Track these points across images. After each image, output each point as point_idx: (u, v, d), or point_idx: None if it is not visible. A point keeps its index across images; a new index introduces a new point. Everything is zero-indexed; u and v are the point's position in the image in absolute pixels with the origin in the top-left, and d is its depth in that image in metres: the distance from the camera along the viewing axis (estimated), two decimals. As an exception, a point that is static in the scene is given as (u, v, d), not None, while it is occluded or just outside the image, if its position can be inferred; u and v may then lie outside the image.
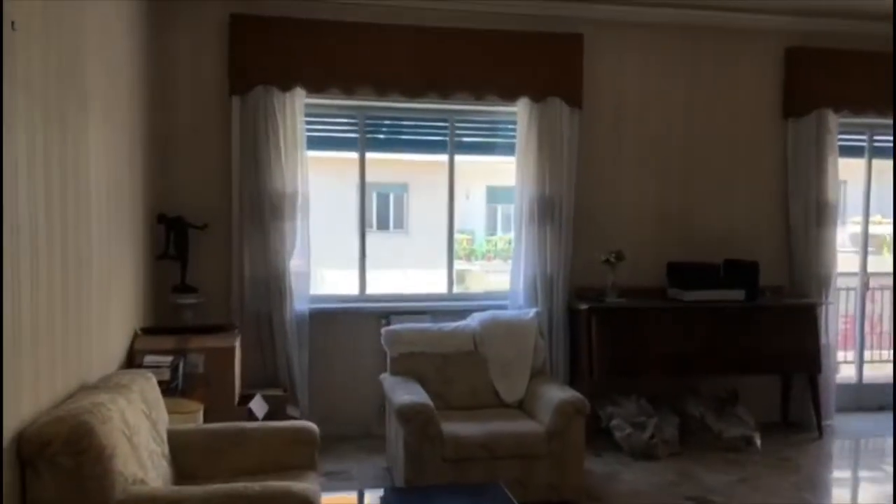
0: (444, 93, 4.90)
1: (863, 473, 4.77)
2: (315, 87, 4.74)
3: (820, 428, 5.20)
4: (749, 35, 5.35)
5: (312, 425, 3.19)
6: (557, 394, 3.99)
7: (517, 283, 5.10)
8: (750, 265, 5.12)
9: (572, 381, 4.85)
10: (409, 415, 3.67)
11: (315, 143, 4.97)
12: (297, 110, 4.72)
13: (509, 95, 4.98)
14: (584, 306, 4.91)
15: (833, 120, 5.37)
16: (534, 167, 5.00)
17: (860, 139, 5.78)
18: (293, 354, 4.67)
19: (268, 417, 3.87)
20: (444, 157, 5.28)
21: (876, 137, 5.78)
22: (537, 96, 4.96)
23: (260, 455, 3.02)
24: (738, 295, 5.05)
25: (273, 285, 4.67)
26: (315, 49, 4.71)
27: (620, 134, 5.26)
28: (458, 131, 5.22)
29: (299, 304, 4.75)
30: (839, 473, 4.77)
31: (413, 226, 11.42)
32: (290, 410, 4.22)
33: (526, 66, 4.96)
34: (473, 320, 4.59)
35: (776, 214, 5.51)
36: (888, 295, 6.67)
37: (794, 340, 5.14)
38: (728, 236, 5.37)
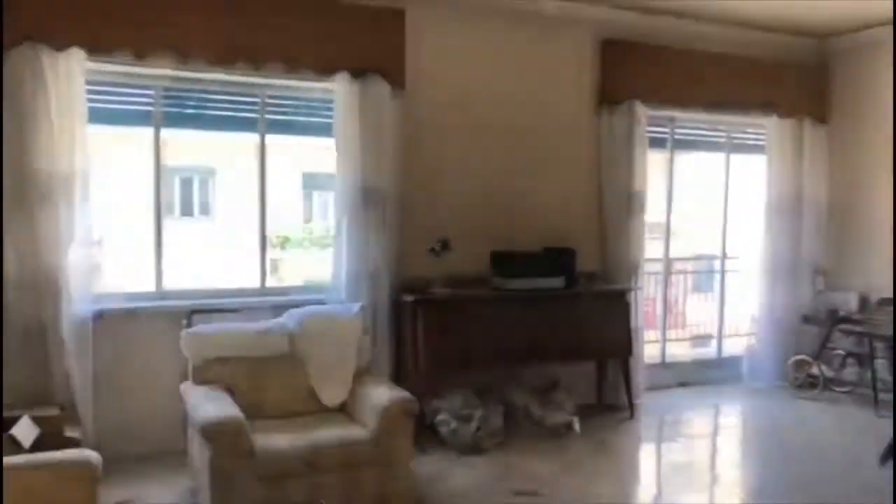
0: (255, 63, 4.39)
1: (666, 447, 5.02)
2: (97, 49, 4.04)
3: (631, 408, 5.40)
4: (566, 24, 5.39)
5: (92, 455, 2.64)
6: (384, 394, 3.71)
7: (339, 276, 4.74)
8: (568, 253, 5.17)
9: (398, 379, 4.60)
10: (213, 433, 3.18)
11: (102, 116, 4.28)
12: (74, 75, 4.00)
13: (326, 69, 4.58)
14: (409, 298, 4.68)
15: (643, 112, 5.56)
16: (354, 152, 4.65)
17: (663, 132, 6.06)
18: (72, 365, 3.98)
19: (40, 444, 3.22)
20: (254, 137, 4.79)
21: (677, 130, 6.10)
22: (356, 72, 4.61)
23: (24, 499, 2.44)
24: (557, 282, 5.08)
25: (44, 284, 3.95)
26: (99, 2, 4.01)
27: (444, 119, 5.06)
28: (269, 108, 4.75)
29: (80, 305, 4.05)
30: (647, 449, 4.99)
31: (220, 212, 10.66)
32: (70, 432, 3.56)
33: (345, 39, 4.60)
34: (290, 318, 4.16)
35: (592, 202, 5.63)
36: (684, 279, 7.17)
37: (609, 326, 5.29)
38: (549, 224, 5.39)
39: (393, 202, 4.80)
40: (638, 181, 5.56)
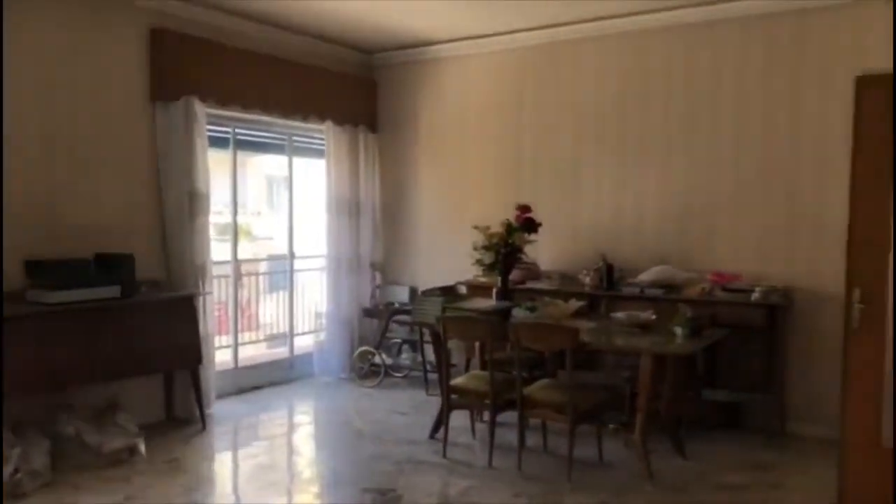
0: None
1: (242, 453, 4.89)
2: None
3: (203, 419, 5.15)
4: (112, 7, 4.88)
5: None
6: None
7: None
8: (124, 259, 4.68)
9: None
10: None
11: None
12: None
13: None
14: None
15: (200, 109, 5.32)
16: None
17: (225, 131, 5.93)
18: None
19: None
20: None
21: (238, 131, 6.02)
22: None
23: None
24: (112, 292, 4.56)
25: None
26: None
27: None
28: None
29: None
30: (223, 460, 4.78)
31: None
32: None
33: None
34: None
35: (150, 204, 5.21)
36: (255, 280, 7.13)
37: (175, 335, 4.95)
38: (100, 228, 4.83)
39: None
40: (200, 181, 5.32)
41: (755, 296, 4.80)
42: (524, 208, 4.84)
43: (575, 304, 4.60)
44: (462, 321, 4.43)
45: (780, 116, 5.07)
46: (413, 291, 6.69)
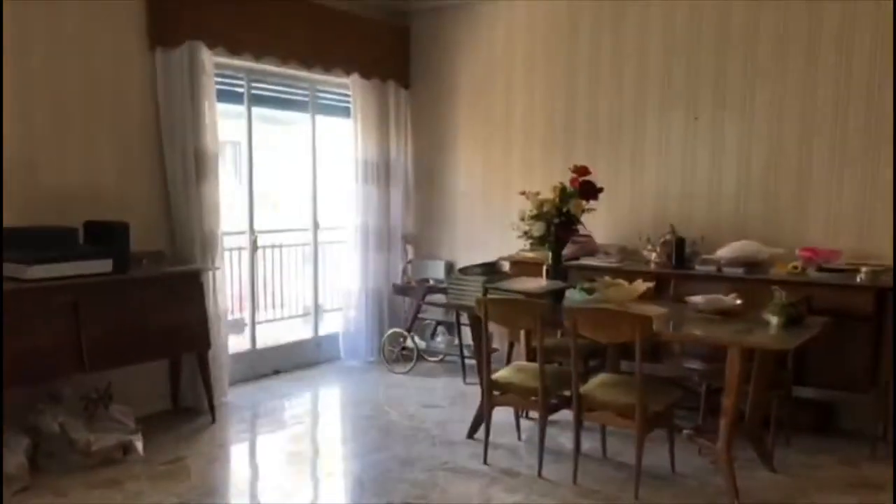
0: None
1: (252, 454, 4.29)
2: None
3: (213, 410, 4.56)
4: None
5: None
6: None
7: None
8: (118, 227, 4.06)
9: None
10: None
11: None
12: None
13: None
14: None
15: (207, 57, 4.65)
16: None
17: (238, 84, 5.26)
18: None
19: None
20: None
21: (254, 84, 5.34)
22: None
23: None
24: (103, 266, 3.94)
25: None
26: None
27: None
28: None
29: None
30: (229, 462, 4.14)
31: None
32: None
33: None
34: None
35: (150, 165, 4.57)
36: (278, 253, 6.50)
37: (180, 315, 4.34)
38: (93, 192, 4.24)
39: None
40: (208, 139, 4.66)
41: (861, 277, 3.99)
42: (581, 170, 4.07)
43: (642, 285, 3.84)
44: (507, 305, 3.72)
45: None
46: (449, 267, 6.00)
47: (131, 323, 4.08)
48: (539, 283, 4.00)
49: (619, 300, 3.78)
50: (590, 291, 3.96)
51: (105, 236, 4.02)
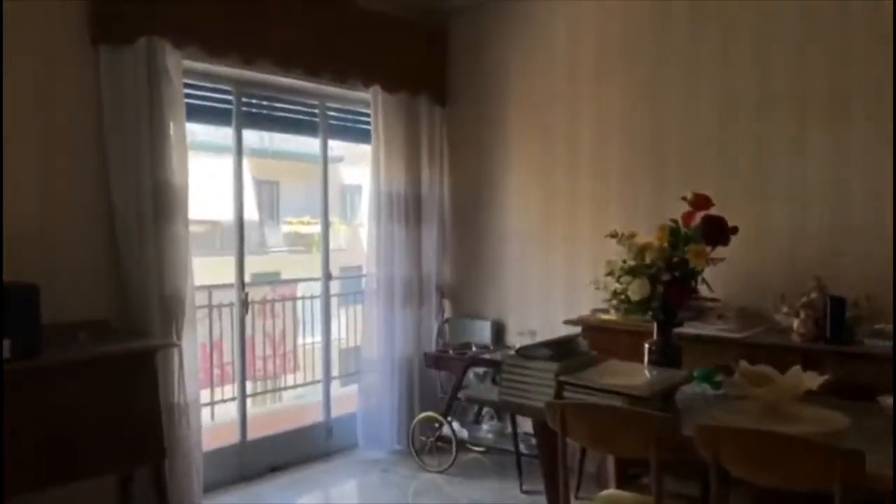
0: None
1: None
2: None
3: (173, 541, 3.26)
4: None
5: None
6: None
7: None
8: (25, 291, 2.83)
9: None
10: None
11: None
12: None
13: None
14: None
15: (174, 59, 3.46)
16: None
17: (225, 99, 4.06)
18: None
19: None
20: None
21: (244, 100, 4.14)
22: None
23: None
24: (4, 349, 2.72)
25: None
26: None
27: None
28: None
29: None
30: None
31: None
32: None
33: None
34: None
35: (91, 200, 3.37)
36: (271, 308, 5.22)
37: (122, 414, 3.07)
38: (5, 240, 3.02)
39: None
40: (173, 169, 3.45)
41: None
42: (701, 201, 2.71)
43: (814, 378, 2.42)
44: (599, 415, 2.35)
45: None
46: (497, 328, 4.66)
47: (41, 431, 2.83)
48: (642, 373, 2.63)
49: (773, 401, 2.38)
50: (716, 385, 2.60)
51: (4, 304, 2.79)
